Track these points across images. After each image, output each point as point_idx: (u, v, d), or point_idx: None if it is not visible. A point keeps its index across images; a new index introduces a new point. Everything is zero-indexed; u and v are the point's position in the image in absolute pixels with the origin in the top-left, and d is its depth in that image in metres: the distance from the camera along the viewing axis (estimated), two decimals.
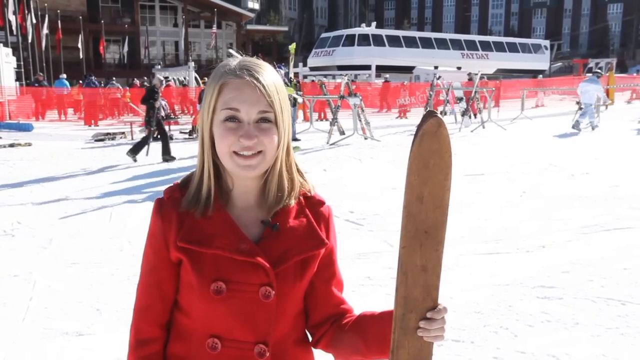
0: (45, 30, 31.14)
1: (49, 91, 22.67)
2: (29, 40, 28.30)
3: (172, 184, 1.20)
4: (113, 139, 14.23)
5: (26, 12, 27.21)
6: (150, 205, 1.21)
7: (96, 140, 13.91)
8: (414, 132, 1.04)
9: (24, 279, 4.26)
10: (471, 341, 3.16)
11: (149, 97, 10.57)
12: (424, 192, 1.04)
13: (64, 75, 24.38)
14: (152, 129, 10.57)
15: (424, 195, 1.04)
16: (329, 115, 16.19)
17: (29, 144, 12.71)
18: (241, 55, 1.18)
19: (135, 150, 10.31)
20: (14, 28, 26.01)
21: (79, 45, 36.15)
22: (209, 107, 1.10)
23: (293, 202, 1.17)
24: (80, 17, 38.62)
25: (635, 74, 36.35)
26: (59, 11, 35.16)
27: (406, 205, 1.05)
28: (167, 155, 10.32)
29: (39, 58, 29.96)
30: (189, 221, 1.12)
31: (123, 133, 14.77)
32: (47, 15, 31.95)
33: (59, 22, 33.99)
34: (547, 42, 55.36)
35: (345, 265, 4.33)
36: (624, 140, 11.98)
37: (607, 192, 6.88)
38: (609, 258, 4.50)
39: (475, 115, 15.88)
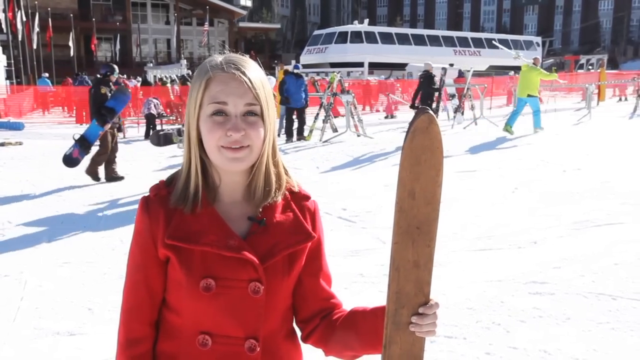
0: (35, 28, 30.91)
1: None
2: (20, 39, 28.09)
3: (157, 182, 1.20)
4: None
5: (16, 9, 26.98)
6: None
7: None
8: (406, 129, 1.04)
9: (15, 279, 4.23)
10: (464, 337, 3.18)
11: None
12: (415, 188, 1.04)
13: (46, 74, 24.63)
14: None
15: (415, 191, 1.04)
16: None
17: (20, 143, 12.62)
18: (228, 51, 1.18)
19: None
20: (3, 26, 25.84)
21: (70, 43, 35.92)
22: (195, 102, 1.10)
23: (280, 198, 1.18)
24: (71, 15, 38.38)
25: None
26: (49, 9, 34.94)
27: (398, 201, 1.05)
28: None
29: (30, 56, 29.76)
30: (177, 218, 1.12)
31: None
32: (37, 13, 31.71)
33: (50, 19, 33.76)
34: (538, 39, 55.58)
35: (338, 262, 4.33)
36: (615, 136, 12.05)
37: (598, 187, 6.92)
38: (600, 253, 4.53)
39: (463, 111, 15.90)
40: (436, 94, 12.36)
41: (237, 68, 1.09)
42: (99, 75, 8.28)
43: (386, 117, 19.41)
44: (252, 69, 1.11)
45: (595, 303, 3.59)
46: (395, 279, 1.08)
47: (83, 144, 7.90)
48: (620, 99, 24.46)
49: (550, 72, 13.70)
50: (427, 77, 12.34)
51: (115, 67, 8.60)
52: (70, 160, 7.96)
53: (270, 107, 1.12)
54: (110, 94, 7.98)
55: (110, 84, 8.16)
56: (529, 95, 12.40)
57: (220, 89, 1.08)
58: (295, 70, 13.24)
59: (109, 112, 7.81)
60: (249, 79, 1.08)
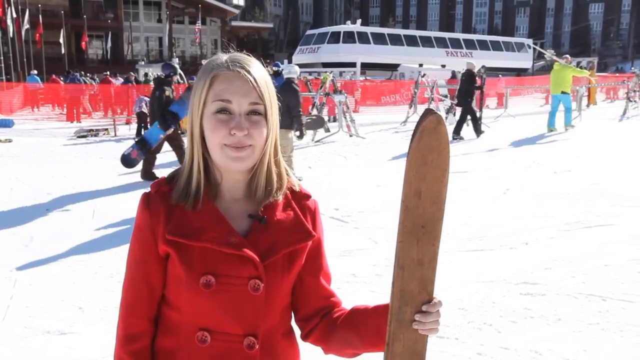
0: (25, 25, 30.62)
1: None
2: (9, 35, 27.84)
3: (159, 179, 1.20)
4: (96, 135, 14.06)
5: (6, 6, 26.74)
6: (133, 202, 1.20)
7: (78, 137, 13.73)
8: (413, 129, 1.06)
9: (5, 277, 4.20)
10: (455, 337, 3.19)
11: None
12: (421, 187, 1.05)
13: (35, 72, 24.54)
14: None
15: (421, 191, 1.06)
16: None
17: (10, 140, 12.50)
18: (232, 50, 1.19)
19: (457, 130, 12.34)
20: None
21: (61, 41, 35.62)
22: (199, 100, 1.11)
23: (280, 197, 1.19)
24: (62, 12, 38.08)
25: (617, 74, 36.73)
26: (40, 5, 34.64)
27: (404, 200, 1.06)
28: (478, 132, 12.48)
29: (20, 53, 29.50)
30: (178, 214, 1.13)
31: (106, 129, 14.60)
32: (27, 10, 31.41)
33: (40, 16, 33.45)
34: (530, 41, 55.86)
35: (330, 262, 4.30)
36: (604, 138, 12.15)
37: (588, 189, 6.97)
38: (590, 255, 4.56)
39: (455, 112, 16.01)
40: (477, 92, 12.98)
41: (242, 67, 1.10)
42: (161, 76, 8.20)
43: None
44: (257, 69, 1.12)
45: (586, 304, 3.62)
46: (400, 277, 1.09)
47: (143, 146, 7.86)
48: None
49: (581, 70, 14.52)
50: (468, 76, 12.83)
51: (177, 67, 8.53)
52: (128, 161, 7.94)
53: (274, 106, 1.13)
54: (172, 96, 7.94)
55: (172, 84, 8.11)
56: (562, 93, 13.01)
57: (225, 87, 1.09)
58: (274, 69, 13.18)
59: (173, 117, 7.75)
60: (254, 78, 1.09)
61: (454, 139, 12.20)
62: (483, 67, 13.96)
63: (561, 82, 13.03)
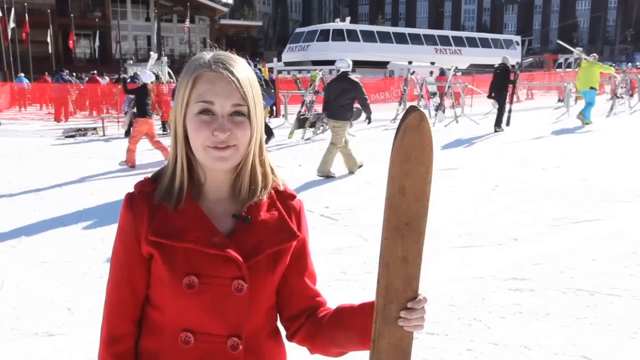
0: (11, 24, 30.29)
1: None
2: None
3: (142, 179, 1.19)
4: (84, 135, 13.95)
5: None
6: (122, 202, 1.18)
7: (66, 137, 13.62)
8: (396, 127, 1.05)
9: None
10: (445, 333, 3.20)
11: None
12: (405, 184, 1.05)
13: (22, 74, 24.56)
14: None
15: (405, 188, 1.06)
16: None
17: None
18: (215, 48, 1.17)
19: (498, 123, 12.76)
20: None
21: (48, 40, 35.28)
22: (182, 100, 1.10)
23: (265, 197, 1.18)
24: (49, 11, 37.70)
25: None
26: (26, 4, 34.22)
27: (388, 197, 1.06)
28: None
29: (6, 52, 29.21)
30: (161, 215, 1.11)
31: (95, 129, 14.50)
32: (13, 8, 31.08)
33: (27, 15, 33.10)
34: (518, 38, 56.21)
35: (321, 260, 4.33)
36: (592, 134, 12.24)
37: (576, 185, 7.02)
38: (578, 250, 4.60)
39: (444, 109, 16.08)
40: (510, 86, 13.27)
41: (226, 67, 1.08)
42: None
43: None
44: (241, 68, 1.10)
45: (574, 298, 3.65)
46: (385, 275, 1.09)
47: None
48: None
49: (608, 67, 15.43)
50: (503, 70, 13.13)
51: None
52: None
53: (258, 106, 1.12)
54: None
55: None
56: (591, 88, 13.82)
57: (208, 89, 1.07)
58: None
59: None
60: (237, 79, 1.08)
61: (495, 131, 12.75)
62: (518, 62, 14.29)
63: (590, 79, 13.76)
